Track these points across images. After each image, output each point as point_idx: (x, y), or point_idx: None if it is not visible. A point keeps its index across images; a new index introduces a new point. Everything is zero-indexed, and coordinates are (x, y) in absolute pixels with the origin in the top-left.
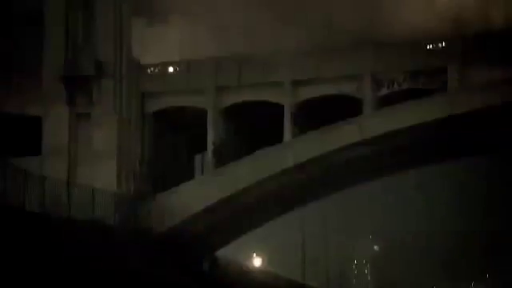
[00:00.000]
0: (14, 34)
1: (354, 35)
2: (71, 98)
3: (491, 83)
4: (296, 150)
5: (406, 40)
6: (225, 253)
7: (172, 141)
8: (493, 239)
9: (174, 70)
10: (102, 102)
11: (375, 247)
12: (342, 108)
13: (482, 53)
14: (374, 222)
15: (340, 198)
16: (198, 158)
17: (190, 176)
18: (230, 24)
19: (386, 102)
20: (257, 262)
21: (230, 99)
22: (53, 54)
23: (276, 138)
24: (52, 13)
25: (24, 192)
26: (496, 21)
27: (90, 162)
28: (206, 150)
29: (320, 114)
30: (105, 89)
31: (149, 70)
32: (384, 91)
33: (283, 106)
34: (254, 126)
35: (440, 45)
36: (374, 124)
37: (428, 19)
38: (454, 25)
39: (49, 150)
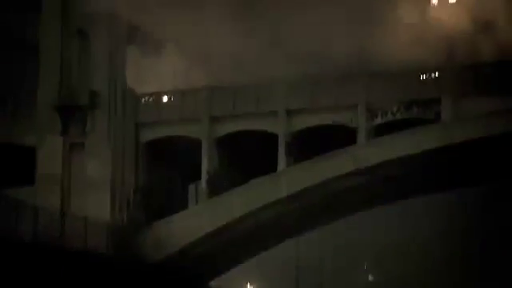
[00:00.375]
0: (12, 60)
1: (346, 65)
2: (65, 128)
3: (488, 114)
4: (290, 179)
5: (400, 71)
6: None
7: (166, 170)
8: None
9: (169, 99)
10: (96, 132)
11: (370, 277)
12: (336, 137)
13: (476, 83)
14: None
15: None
16: (191, 187)
17: (183, 205)
18: (223, 53)
19: (380, 131)
20: None
21: (224, 129)
22: (47, 83)
23: (270, 167)
24: (47, 42)
25: (16, 222)
26: (489, 53)
27: (83, 192)
28: (200, 179)
29: (314, 143)
30: (99, 118)
31: (143, 100)
32: (378, 121)
33: (277, 135)
34: (249, 155)
35: (433, 75)
36: (368, 154)
37: (420, 51)
38: (447, 57)
39: (42, 179)
